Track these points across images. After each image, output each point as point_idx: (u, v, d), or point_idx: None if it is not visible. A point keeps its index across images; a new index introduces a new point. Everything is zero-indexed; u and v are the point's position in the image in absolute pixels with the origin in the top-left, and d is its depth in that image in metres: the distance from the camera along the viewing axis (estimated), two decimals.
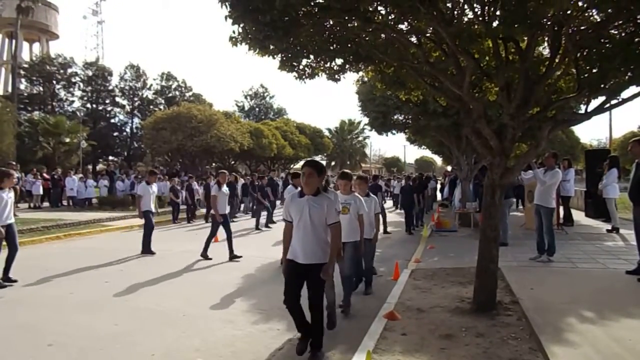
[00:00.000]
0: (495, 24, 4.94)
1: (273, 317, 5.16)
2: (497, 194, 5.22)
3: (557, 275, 6.77)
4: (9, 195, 6.93)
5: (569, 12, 4.71)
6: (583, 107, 5.74)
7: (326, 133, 51.26)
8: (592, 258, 7.85)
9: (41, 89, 41.30)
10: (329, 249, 3.93)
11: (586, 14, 5.04)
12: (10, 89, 35.01)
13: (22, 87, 38.76)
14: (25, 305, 5.82)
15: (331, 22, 5.42)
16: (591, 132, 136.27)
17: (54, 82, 41.54)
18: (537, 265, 7.45)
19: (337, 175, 6.01)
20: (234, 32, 5.19)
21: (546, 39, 5.67)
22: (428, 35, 5.81)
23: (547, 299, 5.34)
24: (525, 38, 5.24)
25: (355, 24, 5.33)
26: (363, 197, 5.89)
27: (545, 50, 6.59)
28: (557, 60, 5.23)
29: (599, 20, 5.09)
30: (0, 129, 20.82)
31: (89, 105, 43.27)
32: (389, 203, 26.39)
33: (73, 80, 42.51)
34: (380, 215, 7.40)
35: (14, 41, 34.79)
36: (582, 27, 5.14)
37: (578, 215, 13.51)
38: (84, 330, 4.84)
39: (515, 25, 4.52)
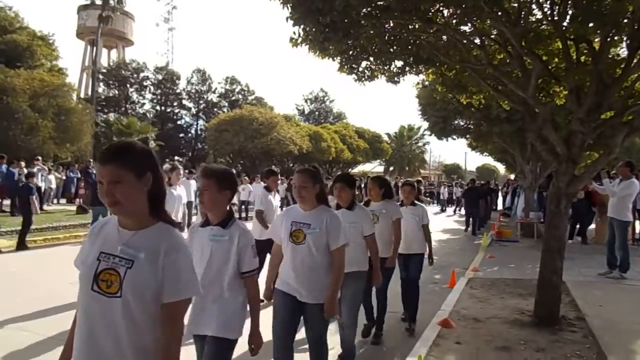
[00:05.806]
0: (565, 23, 4.70)
1: None
2: (563, 203, 4.95)
3: (630, 293, 6.28)
4: (277, 199, 6.32)
5: None
6: None
7: (385, 138, 50.75)
8: None
9: (116, 92, 44.15)
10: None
11: None
12: (90, 92, 37.78)
13: (100, 90, 41.60)
14: None
15: (391, 24, 5.39)
16: None
17: (128, 85, 44.29)
18: (606, 282, 6.95)
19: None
20: (294, 33, 5.30)
21: (624, 38, 5.31)
22: (492, 36, 5.64)
23: (618, 318, 4.97)
24: (599, 38, 4.94)
25: (416, 25, 5.28)
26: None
27: (622, 50, 6.17)
28: (635, 61, 4.87)
29: None
30: (80, 129, 22.51)
31: (158, 108, 45.61)
32: (435, 208, 26.41)
33: (145, 84, 45.07)
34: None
35: (94, 48, 37.43)
36: None
37: None
38: None
39: (589, 25, 4.28)
